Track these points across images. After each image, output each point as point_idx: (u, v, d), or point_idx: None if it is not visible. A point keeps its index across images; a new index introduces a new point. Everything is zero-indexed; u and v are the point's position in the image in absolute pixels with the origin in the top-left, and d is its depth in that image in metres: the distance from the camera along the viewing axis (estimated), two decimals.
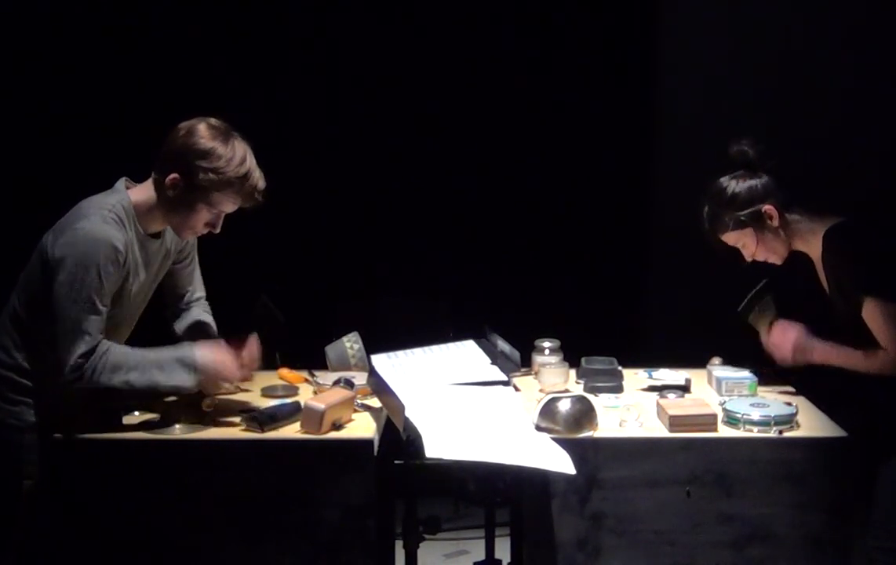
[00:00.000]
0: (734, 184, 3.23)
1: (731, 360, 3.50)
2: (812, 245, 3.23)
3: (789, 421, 3.03)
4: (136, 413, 3.11)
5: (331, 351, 3.58)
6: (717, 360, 3.52)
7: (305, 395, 3.28)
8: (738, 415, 3.03)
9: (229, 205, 3.09)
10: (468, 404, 3.11)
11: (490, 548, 3.53)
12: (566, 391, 3.30)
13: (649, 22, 5.20)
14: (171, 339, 3.38)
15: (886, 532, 3.05)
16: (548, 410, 3.03)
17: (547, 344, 3.55)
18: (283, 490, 2.94)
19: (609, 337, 3.78)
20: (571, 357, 3.52)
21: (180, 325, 3.39)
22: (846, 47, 4.97)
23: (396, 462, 3.07)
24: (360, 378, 3.32)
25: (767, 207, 3.20)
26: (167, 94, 4.82)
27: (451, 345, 3.48)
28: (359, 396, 3.22)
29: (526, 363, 3.55)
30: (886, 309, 3.06)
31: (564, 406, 3.02)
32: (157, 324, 3.40)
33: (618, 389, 3.34)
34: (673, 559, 2.98)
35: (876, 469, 3.10)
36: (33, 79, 5.02)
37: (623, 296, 5.21)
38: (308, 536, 2.94)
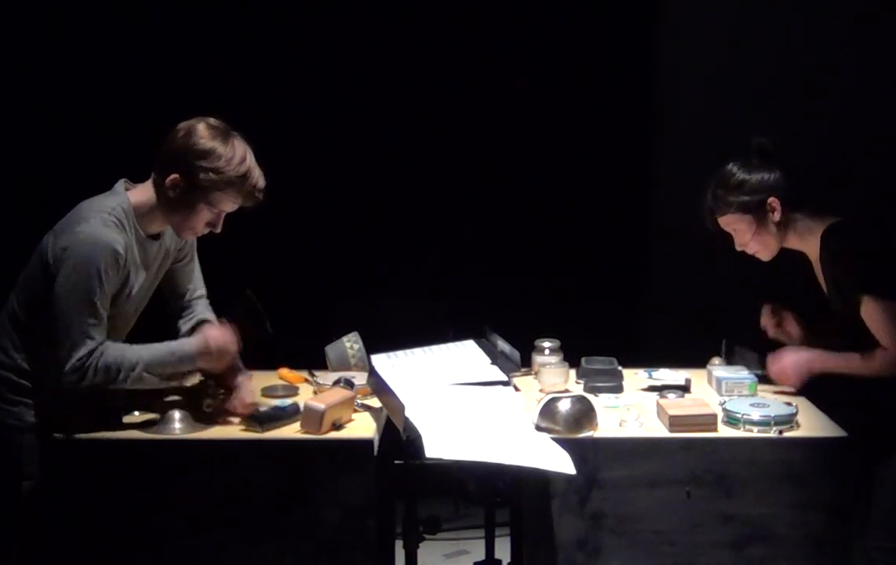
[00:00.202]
0: (745, 171, 3.23)
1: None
2: (810, 244, 3.23)
3: (789, 421, 3.03)
4: (136, 413, 3.11)
5: (331, 351, 3.58)
6: (717, 360, 3.52)
7: (305, 395, 3.28)
8: (738, 415, 3.03)
9: (230, 205, 3.10)
10: (468, 404, 3.11)
11: (490, 548, 3.53)
12: (566, 391, 3.30)
13: (649, 22, 5.20)
14: (173, 338, 3.38)
15: (886, 532, 3.05)
16: (548, 410, 3.03)
17: (547, 344, 3.55)
18: (283, 490, 2.94)
19: (609, 337, 3.78)
20: (571, 357, 3.52)
21: (185, 325, 3.39)
22: (846, 47, 4.97)
23: (396, 462, 3.07)
24: (360, 378, 3.33)
25: (772, 200, 3.20)
26: (167, 94, 4.82)
27: (451, 345, 3.48)
28: (359, 396, 3.22)
29: (526, 363, 3.55)
30: (885, 307, 3.06)
31: (564, 406, 3.02)
32: (157, 324, 3.39)
33: (618, 389, 3.34)
34: (673, 559, 2.98)
35: (876, 469, 3.10)
36: (33, 79, 5.02)
37: (623, 296, 5.21)
38: (308, 536, 2.94)
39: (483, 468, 2.92)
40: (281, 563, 2.95)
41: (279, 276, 5.02)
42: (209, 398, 3.14)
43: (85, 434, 2.99)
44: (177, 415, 3.03)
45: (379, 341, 3.47)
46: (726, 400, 3.20)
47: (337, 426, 3.02)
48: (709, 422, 3.02)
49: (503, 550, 3.41)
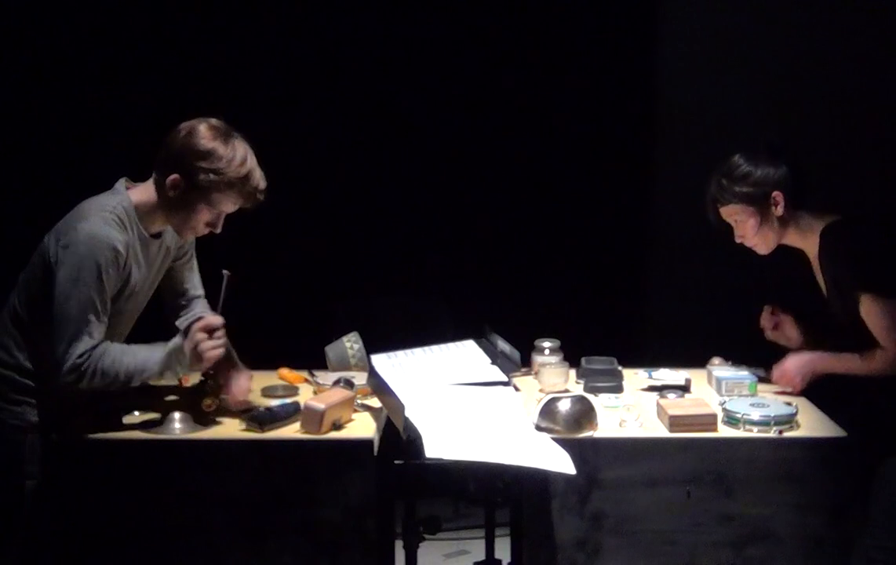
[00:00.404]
0: (751, 163, 3.23)
1: (733, 358, 3.51)
2: (810, 241, 3.23)
3: (789, 421, 3.03)
4: (137, 413, 3.11)
5: (331, 351, 3.58)
6: (717, 360, 3.52)
7: (305, 395, 3.28)
8: (738, 415, 3.03)
9: (230, 206, 3.10)
10: (468, 404, 3.11)
11: (490, 548, 3.53)
12: (566, 391, 3.30)
13: (650, 22, 5.20)
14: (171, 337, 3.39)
15: (886, 531, 3.05)
16: (548, 410, 3.03)
17: (547, 344, 3.55)
18: (283, 490, 2.94)
19: (609, 337, 3.79)
20: (571, 357, 3.52)
21: (183, 322, 3.39)
22: (846, 47, 4.97)
23: (396, 462, 3.07)
24: (360, 378, 3.33)
25: (776, 194, 3.20)
26: (167, 94, 4.82)
27: (451, 345, 3.48)
28: (359, 396, 3.22)
29: (526, 363, 3.55)
30: (884, 306, 3.06)
31: (564, 406, 3.02)
32: (157, 324, 3.40)
33: (618, 389, 3.34)
34: (673, 559, 2.98)
35: (875, 469, 3.09)
36: (33, 79, 5.02)
37: (623, 296, 5.21)
38: (308, 536, 2.94)
39: (483, 468, 2.92)
40: (281, 563, 2.95)
41: (279, 277, 5.03)
42: (209, 398, 3.14)
43: (85, 434, 2.99)
44: (177, 415, 3.03)
45: (379, 341, 3.47)
46: (726, 400, 3.20)
47: (337, 426, 3.02)
48: (709, 421, 3.02)
49: (503, 550, 3.41)
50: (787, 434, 3.00)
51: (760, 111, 4.92)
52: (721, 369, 3.44)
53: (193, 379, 3.33)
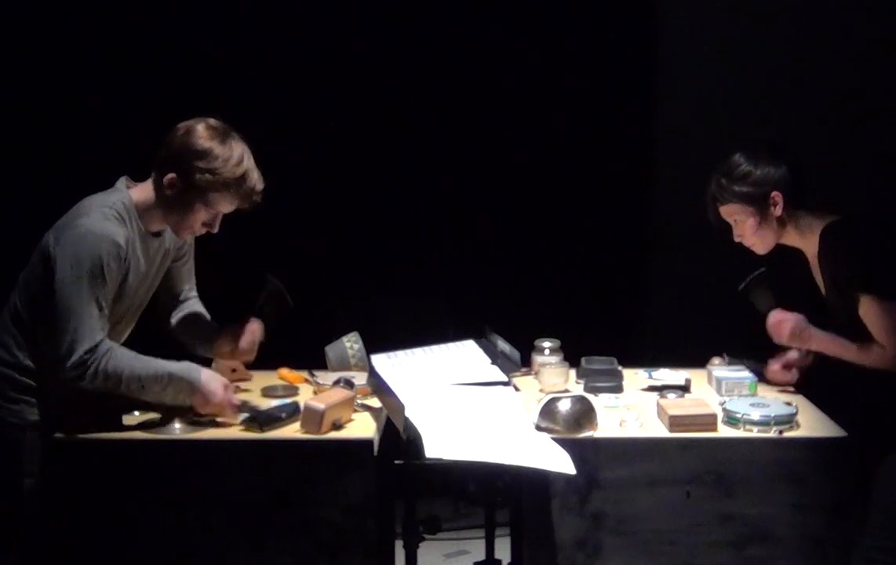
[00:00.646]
0: (751, 163, 3.22)
1: (730, 353, 3.51)
2: (809, 241, 3.23)
3: (789, 421, 3.03)
4: (136, 413, 3.10)
5: (331, 351, 3.58)
6: (717, 360, 3.52)
7: (305, 395, 3.28)
8: (738, 415, 3.03)
9: (226, 206, 3.10)
10: (468, 404, 3.11)
11: (490, 548, 3.53)
12: (566, 391, 3.30)
13: (650, 21, 5.19)
14: (167, 335, 3.39)
15: (886, 531, 3.05)
16: (548, 410, 3.03)
17: (547, 344, 3.55)
18: (283, 490, 2.94)
19: (609, 337, 3.78)
20: (571, 357, 3.51)
21: (175, 317, 3.40)
22: (846, 47, 4.97)
23: (396, 462, 3.07)
24: (360, 378, 3.32)
25: (776, 194, 3.20)
26: (167, 94, 4.82)
27: (451, 345, 3.48)
28: (359, 396, 3.22)
29: (526, 363, 3.55)
30: (883, 306, 3.06)
31: (564, 406, 3.02)
32: (157, 323, 3.40)
33: (618, 389, 3.34)
34: (673, 559, 2.98)
35: (875, 469, 3.09)
36: (33, 79, 5.02)
37: (623, 296, 5.21)
38: (308, 536, 2.94)
39: (483, 468, 2.92)
40: (281, 563, 2.95)
41: (279, 277, 5.02)
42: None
43: (85, 434, 2.99)
44: (177, 415, 3.03)
45: (379, 341, 3.47)
46: (726, 400, 3.20)
47: (337, 426, 3.02)
48: (709, 421, 3.02)
49: (503, 550, 3.41)
50: (787, 434, 3.00)
51: (760, 111, 4.92)
52: (721, 369, 3.44)
53: None
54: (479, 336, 3.57)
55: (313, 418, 2.97)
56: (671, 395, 3.21)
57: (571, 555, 2.98)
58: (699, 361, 3.55)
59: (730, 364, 3.49)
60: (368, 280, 5.17)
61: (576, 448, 2.92)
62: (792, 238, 3.26)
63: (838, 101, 4.96)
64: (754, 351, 3.46)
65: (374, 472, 2.96)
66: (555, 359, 3.51)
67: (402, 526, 3.23)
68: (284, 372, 3.50)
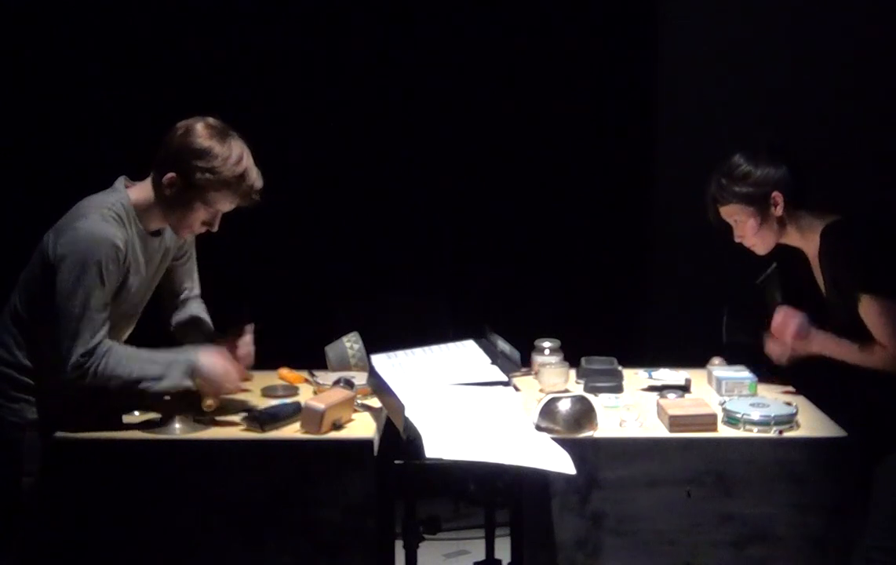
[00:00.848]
0: (751, 163, 3.22)
1: (731, 359, 3.51)
2: (810, 241, 3.23)
3: (789, 421, 3.03)
4: (136, 413, 3.11)
5: (331, 351, 3.58)
6: (717, 360, 3.52)
7: (305, 395, 3.28)
8: (738, 415, 3.03)
9: (226, 205, 3.10)
10: (468, 404, 3.11)
11: (490, 548, 3.53)
12: (566, 391, 3.30)
13: (651, 21, 5.19)
14: (169, 335, 3.39)
15: (886, 532, 3.05)
16: (548, 410, 3.03)
17: (547, 344, 3.55)
18: (283, 490, 2.94)
19: (609, 337, 3.78)
20: (571, 357, 3.51)
21: (176, 319, 3.40)
22: (845, 47, 4.97)
23: (396, 462, 3.07)
24: (360, 378, 3.32)
25: (776, 194, 3.20)
26: (167, 93, 4.82)
27: (451, 345, 3.48)
28: (359, 396, 3.22)
29: (526, 363, 3.55)
30: (884, 306, 3.06)
31: (564, 406, 3.02)
32: (158, 322, 3.40)
33: (618, 389, 3.34)
34: (673, 559, 2.97)
35: (875, 469, 3.09)
36: (33, 79, 5.02)
37: (623, 296, 5.21)
38: (308, 536, 2.94)
39: (483, 468, 2.92)
40: (281, 563, 2.95)
41: (279, 276, 5.03)
42: (209, 398, 3.14)
43: (85, 434, 2.99)
44: (177, 415, 3.03)
45: (379, 341, 3.47)
46: (726, 400, 3.20)
47: (337, 426, 3.02)
48: (709, 421, 3.02)
49: (503, 550, 3.41)
50: (787, 434, 3.00)
51: (760, 111, 4.91)
52: (721, 369, 3.44)
53: None
54: (479, 336, 3.57)
55: (313, 418, 2.97)
56: (671, 395, 3.20)
57: (571, 555, 2.98)
58: (699, 361, 3.55)
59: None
60: (368, 280, 5.17)
61: (576, 448, 2.92)
62: (793, 238, 3.26)
63: (838, 101, 4.96)
64: (754, 351, 3.46)
65: (374, 472, 2.96)
66: (555, 359, 3.50)
67: (402, 526, 3.22)
68: (284, 372, 3.50)
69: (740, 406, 3.08)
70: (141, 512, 2.95)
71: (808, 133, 4.77)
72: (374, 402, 3.24)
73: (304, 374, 3.50)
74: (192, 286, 3.43)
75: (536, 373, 3.47)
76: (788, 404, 3.10)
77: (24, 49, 5.00)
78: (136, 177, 3.17)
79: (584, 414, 3.01)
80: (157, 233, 3.18)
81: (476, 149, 5.21)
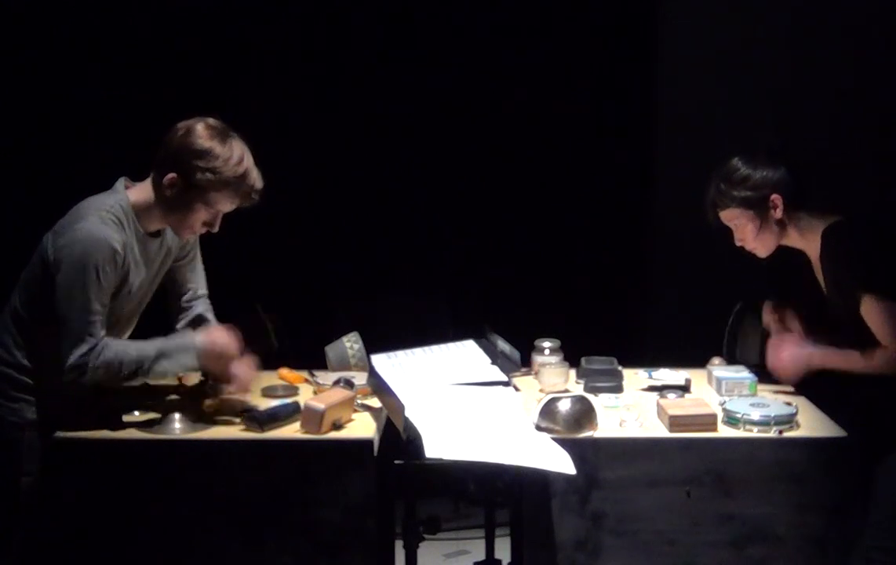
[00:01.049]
0: (749, 166, 3.22)
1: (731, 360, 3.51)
2: (811, 242, 3.22)
3: (789, 421, 3.03)
4: (137, 413, 3.11)
5: (331, 351, 3.58)
6: (717, 360, 3.52)
7: (305, 395, 3.28)
8: (738, 415, 3.03)
9: (227, 205, 3.10)
10: (468, 404, 3.11)
11: (490, 548, 3.53)
12: (566, 391, 3.30)
13: (651, 22, 5.19)
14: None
15: (886, 532, 3.05)
16: (548, 410, 3.03)
17: (547, 344, 3.55)
18: (283, 490, 2.94)
19: (609, 337, 3.78)
20: (571, 357, 3.51)
21: (182, 320, 3.40)
22: (846, 47, 4.97)
23: (396, 462, 3.07)
24: (360, 378, 3.32)
25: (775, 197, 3.20)
26: (167, 93, 4.82)
27: (451, 345, 3.48)
28: (359, 396, 3.22)
29: (526, 363, 3.55)
30: (885, 307, 3.06)
31: (564, 406, 3.02)
32: (159, 322, 3.39)
33: (618, 389, 3.34)
34: (673, 559, 2.97)
35: (876, 469, 3.09)
36: (33, 79, 5.02)
37: (623, 296, 5.21)
38: (308, 536, 2.94)
39: (483, 468, 2.92)
40: (281, 563, 2.95)
41: (279, 276, 5.03)
42: (209, 398, 3.14)
43: (85, 433, 2.99)
44: (177, 415, 3.03)
45: (379, 341, 3.47)
46: (726, 400, 3.20)
47: (337, 426, 3.02)
48: (709, 421, 3.02)
49: (503, 550, 3.41)
50: (787, 434, 3.00)
51: (760, 112, 4.91)
52: (721, 369, 3.44)
53: (193, 378, 3.34)
54: (479, 336, 3.57)
55: (313, 418, 2.97)
56: (671, 395, 3.20)
57: (571, 555, 2.98)
58: (699, 361, 3.54)
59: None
60: (368, 280, 5.17)
61: (576, 448, 2.92)
62: (793, 239, 3.26)
63: (838, 101, 4.96)
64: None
65: (374, 472, 2.96)
66: (555, 359, 3.50)
67: (402, 526, 3.22)
68: (284, 372, 3.50)
69: (740, 406, 3.07)
70: (141, 512, 2.95)
71: (808, 133, 4.77)
72: (374, 402, 3.24)
73: (304, 374, 3.50)
74: (197, 286, 3.43)
75: (536, 373, 3.47)
76: (788, 404, 3.10)
77: (23, 49, 5.00)
78: (137, 177, 3.17)
79: (584, 414, 3.01)
80: (157, 234, 3.18)
81: (476, 149, 5.21)
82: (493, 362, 3.38)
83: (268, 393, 3.36)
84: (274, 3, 5.16)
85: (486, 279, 5.17)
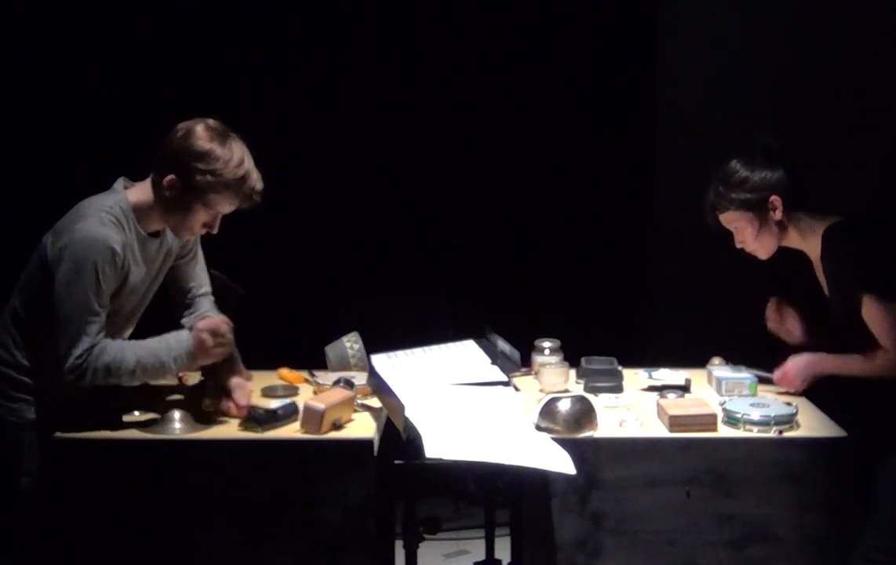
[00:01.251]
0: (747, 169, 3.22)
1: (732, 359, 3.51)
2: (811, 243, 3.23)
3: (789, 421, 3.03)
4: (137, 413, 3.10)
5: (331, 351, 3.58)
6: (717, 360, 3.52)
7: (305, 395, 3.28)
8: (738, 415, 3.03)
9: (226, 207, 3.10)
10: (468, 404, 3.11)
11: (490, 548, 3.53)
12: (566, 391, 3.30)
13: (651, 21, 5.19)
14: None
15: (886, 532, 3.05)
16: (548, 410, 3.03)
17: (547, 344, 3.55)
18: (283, 490, 2.94)
19: (609, 337, 3.78)
20: (571, 357, 3.52)
21: (185, 318, 3.39)
22: (846, 47, 4.97)
23: (396, 462, 3.07)
24: (360, 378, 3.33)
25: (774, 198, 3.20)
26: (166, 94, 4.82)
27: (451, 345, 3.48)
28: (359, 396, 3.22)
29: (526, 363, 3.55)
30: (886, 308, 3.06)
31: (564, 406, 3.02)
32: (160, 322, 3.39)
33: (618, 389, 3.34)
34: (673, 559, 2.98)
35: (876, 469, 3.10)
36: (33, 79, 5.02)
37: (623, 296, 5.21)
38: (308, 536, 2.94)
39: (483, 468, 2.92)
40: (281, 563, 2.95)
41: (279, 276, 5.03)
42: (209, 398, 3.14)
43: (85, 433, 2.99)
44: (177, 415, 3.03)
45: (379, 341, 3.47)
46: (726, 400, 3.20)
47: (337, 426, 3.02)
48: (709, 421, 3.02)
49: (503, 550, 3.41)
50: (787, 434, 3.00)
51: (760, 111, 4.91)
52: (721, 369, 3.44)
53: (193, 378, 3.34)
54: (479, 336, 3.57)
55: (313, 418, 2.97)
56: (671, 395, 3.21)
57: (571, 555, 2.98)
58: (699, 361, 3.55)
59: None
60: (368, 280, 5.17)
61: (576, 448, 2.92)
62: (794, 240, 3.26)
63: (838, 101, 4.96)
64: (754, 351, 3.46)
65: (374, 472, 2.96)
66: (555, 359, 3.51)
67: (402, 526, 3.22)
68: (284, 372, 3.50)
69: (740, 406, 3.08)
70: (141, 512, 2.95)
71: (807, 133, 4.77)
72: (374, 402, 3.24)
73: (304, 374, 3.50)
74: (199, 284, 3.42)
75: (536, 373, 3.47)
76: (788, 404, 3.11)
77: (23, 49, 5.00)
78: (136, 177, 3.16)
79: (584, 414, 3.02)
80: (157, 235, 3.18)
81: (476, 149, 5.21)
82: (493, 362, 3.38)
83: (268, 393, 3.36)
84: (274, 3, 5.16)
85: (486, 279, 5.17)
